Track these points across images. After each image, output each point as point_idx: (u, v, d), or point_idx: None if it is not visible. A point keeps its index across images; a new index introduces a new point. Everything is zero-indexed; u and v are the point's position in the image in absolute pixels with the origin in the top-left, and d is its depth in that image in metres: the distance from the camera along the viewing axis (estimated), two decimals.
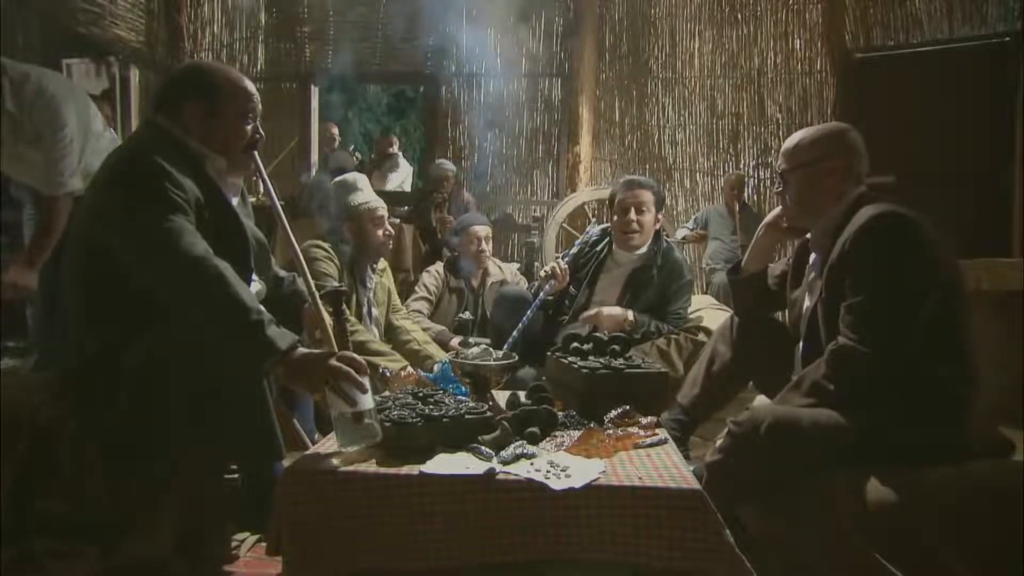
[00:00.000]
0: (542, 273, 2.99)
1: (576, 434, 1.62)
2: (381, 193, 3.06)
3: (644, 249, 2.96)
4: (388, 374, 2.18)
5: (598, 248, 3.04)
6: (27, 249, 2.49)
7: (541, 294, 2.87)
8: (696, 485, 1.38)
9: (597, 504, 1.34)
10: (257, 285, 1.82)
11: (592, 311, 2.80)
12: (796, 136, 1.86)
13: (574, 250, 3.09)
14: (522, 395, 1.84)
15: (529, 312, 2.77)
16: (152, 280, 1.49)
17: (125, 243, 1.51)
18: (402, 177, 6.84)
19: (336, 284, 2.10)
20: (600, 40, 6.09)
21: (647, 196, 2.93)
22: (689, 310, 3.01)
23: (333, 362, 1.48)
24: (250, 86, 1.74)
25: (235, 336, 1.47)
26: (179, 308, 1.48)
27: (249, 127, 1.73)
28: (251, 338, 1.46)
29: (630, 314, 2.78)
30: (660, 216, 2.99)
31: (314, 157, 6.47)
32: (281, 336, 1.47)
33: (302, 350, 1.50)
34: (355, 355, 1.53)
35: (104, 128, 2.70)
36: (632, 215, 2.90)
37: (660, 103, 6.19)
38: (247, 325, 1.45)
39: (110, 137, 2.70)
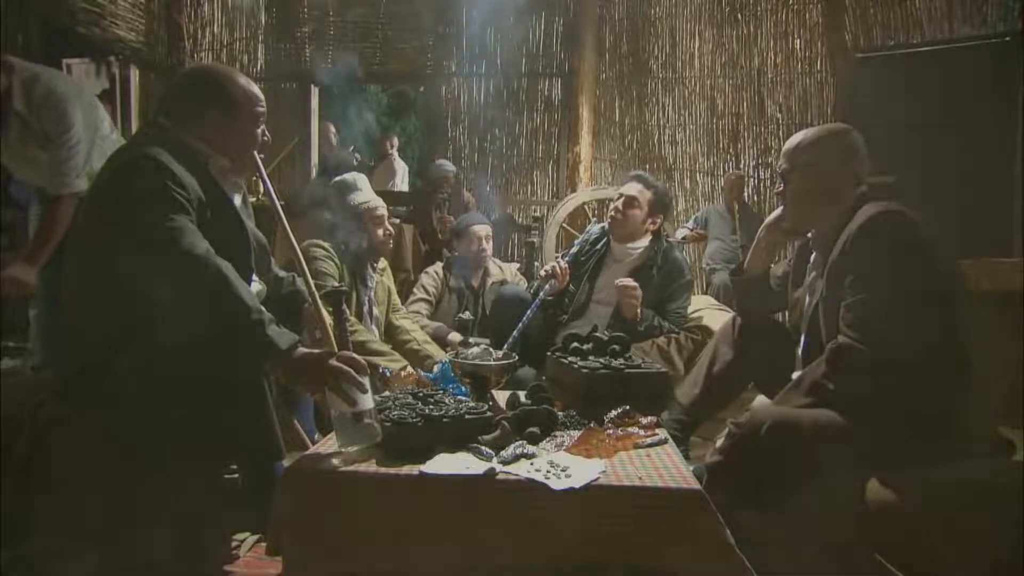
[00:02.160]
0: (542, 272, 2.99)
1: (576, 434, 1.62)
2: (381, 193, 3.06)
3: (643, 247, 2.96)
4: (388, 374, 2.18)
5: (598, 246, 3.05)
6: (29, 247, 2.49)
7: (541, 294, 2.87)
8: (696, 485, 1.38)
9: (597, 504, 1.34)
10: (258, 285, 1.82)
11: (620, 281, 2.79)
12: (797, 136, 1.86)
13: (574, 249, 3.10)
14: (522, 395, 1.84)
15: (529, 312, 2.77)
16: (153, 279, 1.49)
17: (127, 241, 1.51)
18: (399, 177, 6.85)
19: (336, 284, 2.10)
20: (600, 40, 6.09)
21: (634, 188, 2.95)
22: (689, 310, 3.01)
23: (333, 362, 1.48)
24: (259, 92, 1.77)
25: (235, 335, 1.47)
26: (180, 307, 1.48)
27: (259, 131, 1.76)
28: (251, 337, 1.46)
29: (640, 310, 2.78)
30: (658, 219, 2.98)
31: (314, 157, 6.47)
32: (281, 335, 1.48)
33: (302, 350, 1.50)
34: (355, 355, 1.53)
35: (111, 130, 2.71)
36: (617, 203, 2.95)
37: (660, 103, 6.19)
38: (247, 324, 1.45)
39: (116, 139, 2.70)
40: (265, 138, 1.78)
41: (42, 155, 2.48)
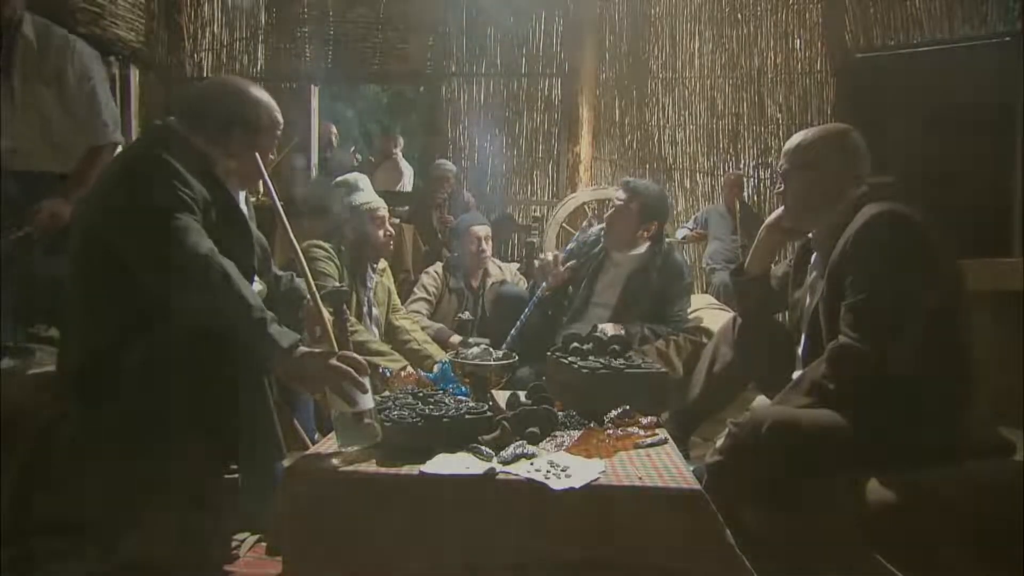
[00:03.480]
0: (536, 263, 2.97)
1: (576, 434, 1.62)
2: (381, 193, 3.06)
3: (642, 250, 2.95)
4: (388, 374, 2.18)
5: (596, 249, 3.04)
6: (65, 187, 2.50)
7: (539, 291, 2.87)
8: (696, 485, 1.38)
9: (597, 504, 1.34)
10: (259, 286, 1.83)
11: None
12: (798, 136, 1.86)
13: (571, 246, 3.11)
14: (522, 395, 1.84)
15: (527, 311, 2.77)
16: (156, 277, 1.49)
17: (131, 239, 1.51)
18: (406, 178, 6.85)
19: (337, 284, 2.09)
20: (600, 40, 6.09)
21: (620, 196, 2.92)
22: (688, 311, 3.01)
23: (334, 362, 1.48)
24: (280, 116, 1.80)
25: (237, 334, 1.47)
26: (182, 305, 1.48)
27: (273, 150, 1.82)
28: (253, 336, 1.46)
29: (621, 330, 2.75)
30: (653, 225, 2.91)
31: (314, 157, 6.47)
32: (283, 335, 1.48)
33: (303, 349, 1.50)
34: (355, 355, 1.53)
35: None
36: (607, 213, 2.97)
37: (660, 103, 6.19)
38: (249, 323, 1.45)
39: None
40: (272, 156, 1.83)
41: (48, 93, 2.46)
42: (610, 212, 2.95)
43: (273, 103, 1.78)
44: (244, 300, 1.46)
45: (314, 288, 1.69)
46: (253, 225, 1.82)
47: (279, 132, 1.80)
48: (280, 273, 2.01)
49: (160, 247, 1.47)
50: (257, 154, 1.75)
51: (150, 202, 1.49)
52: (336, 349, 1.56)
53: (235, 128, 1.70)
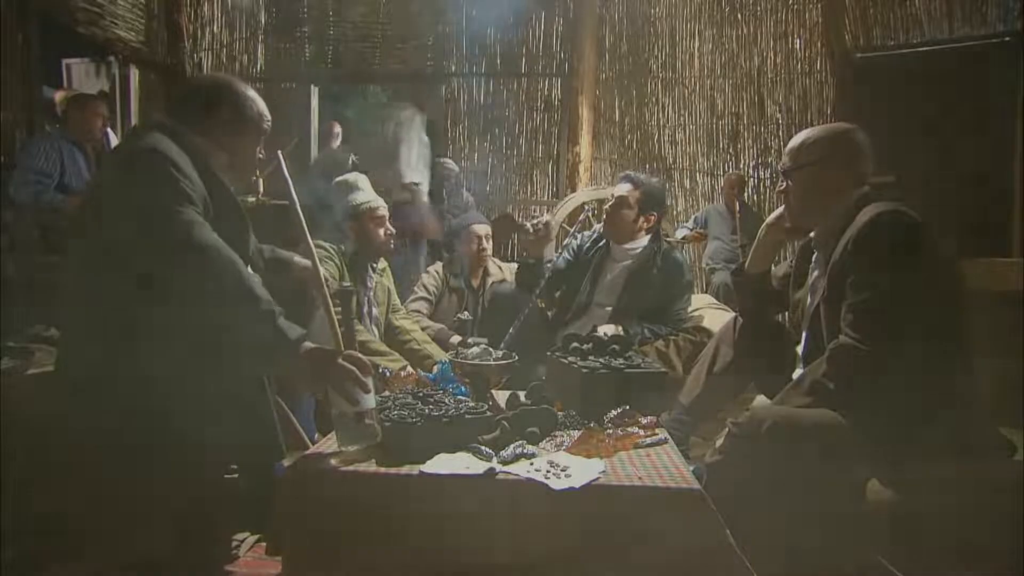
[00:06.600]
0: (529, 226, 2.90)
1: (576, 434, 1.62)
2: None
3: (641, 247, 2.96)
4: (388, 374, 2.18)
5: (599, 245, 3.05)
6: None
7: (544, 275, 2.87)
8: (696, 485, 1.38)
9: (597, 504, 1.34)
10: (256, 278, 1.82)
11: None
12: (800, 135, 1.86)
13: (569, 241, 3.13)
14: (522, 395, 1.84)
15: (528, 307, 2.77)
16: (162, 270, 1.47)
17: (136, 235, 1.49)
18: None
19: (339, 284, 2.09)
20: (600, 40, 6.08)
21: (623, 188, 2.96)
22: (688, 310, 3.01)
23: (339, 361, 1.48)
24: (266, 110, 1.82)
25: (246, 325, 1.45)
26: (190, 298, 1.46)
27: (259, 147, 1.84)
28: (262, 328, 1.45)
29: (620, 330, 2.75)
30: (652, 216, 2.97)
31: (314, 157, 6.47)
32: (290, 328, 1.47)
33: (309, 344, 1.49)
34: (360, 355, 1.53)
35: None
36: (607, 206, 2.99)
37: (660, 103, 6.18)
38: (258, 315, 1.44)
39: None
40: (260, 155, 1.84)
41: None
42: (611, 203, 2.97)
43: (257, 97, 1.80)
44: (252, 292, 1.45)
45: (326, 289, 1.68)
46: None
47: (266, 125, 1.81)
48: (262, 247, 1.99)
49: (166, 239, 1.45)
50: (258, 149, 1.76)
51: (154, 197, 1.48)
52: (342, 348, 1.56)
53: (221, 122, 1.71)
